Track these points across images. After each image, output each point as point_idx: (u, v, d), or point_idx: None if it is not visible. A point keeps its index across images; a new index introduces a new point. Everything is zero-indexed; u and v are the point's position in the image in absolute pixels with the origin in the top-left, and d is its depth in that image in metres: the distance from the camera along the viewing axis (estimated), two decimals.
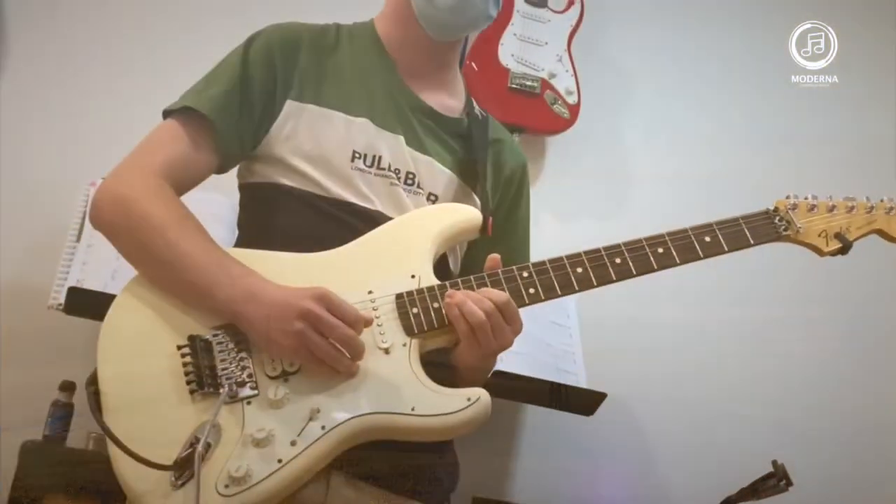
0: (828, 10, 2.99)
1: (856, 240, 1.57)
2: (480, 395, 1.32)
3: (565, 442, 2.72)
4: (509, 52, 2.84)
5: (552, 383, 2.38)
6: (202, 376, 1.30)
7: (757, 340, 2.99)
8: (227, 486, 1.22)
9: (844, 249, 1.55)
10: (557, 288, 1.44)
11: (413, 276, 1.43)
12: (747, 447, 2.82)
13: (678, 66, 3.16)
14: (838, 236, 1.56)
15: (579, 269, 1.46)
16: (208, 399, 1.29)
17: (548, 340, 2.52)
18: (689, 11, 3.19)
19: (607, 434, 2.74)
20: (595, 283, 1.46)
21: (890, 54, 3.28)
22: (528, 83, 2.81)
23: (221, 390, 1.28)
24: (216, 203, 2.07)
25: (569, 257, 1.47)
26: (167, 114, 1.51)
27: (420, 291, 1.41)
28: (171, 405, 1.29)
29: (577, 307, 2.64)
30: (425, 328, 1.39)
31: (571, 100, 2.85)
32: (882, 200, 1.59)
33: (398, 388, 1.32)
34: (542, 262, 1.46)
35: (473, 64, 2.82)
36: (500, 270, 1.44)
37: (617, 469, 2.78)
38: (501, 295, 1.38)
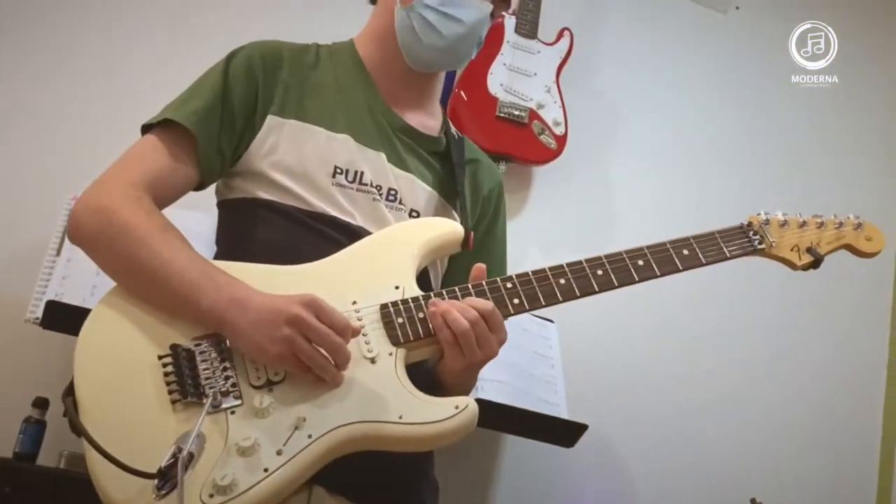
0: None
1: (827, 254, 1.61)
2: (468, 403, 1.31)
3: (545, 473, 2.70)
4: (498, 82, 2.85)
5: (533, 413, 2.36)
6: (185, 386, 1.27)
7: (739, 376, 3.01)
8: (211, 496, 1.19)
9: (816, 263, 1.60)
10: (541, 298, 1.45)
11: (397, 287, 1.43)
12: (727, 483, 2.83)
13: (665, 100, 3.20)
14: (810, 250, 1.59)
15: (562, 280, 1.47)
16: (190, 409, 1.26)
17: (530, 370, 2.50)
18: (677, 44, 3.25)
19: (587, 466, 2.73)
20: (578, 294, 1.47)
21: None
22: (516, 112, 2.82)
23: (205, 399, 1.26)
24: (196, 220, 2.05)
25: (551, 269, 1.48)
26: (147, 128, 1.50)
27: (405, 301, 1.41)
28: (152, 415, 1.26)
29: (560, 338, 2.63)
30: (411, 338, 1.38)
31: (559, 131, 2.86)
32: (849, 217, 1.64)
33: (385, 396, 1.31)
34: (526, 274, 1.47)
35: (462, 93, 2.83)
36: (483, 281, 1.45)
37: (596, 502, 2.76)
38: (486, 304, 1.38)
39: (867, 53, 3.30)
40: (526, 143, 2.83)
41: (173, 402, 1.27)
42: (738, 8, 3.35)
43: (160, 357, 1.30)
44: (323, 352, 1.28)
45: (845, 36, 2.98)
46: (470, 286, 1.44)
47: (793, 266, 1.60)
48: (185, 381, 1.27)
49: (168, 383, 1.28)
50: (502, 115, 2.81)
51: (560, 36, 2.96)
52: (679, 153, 3.16)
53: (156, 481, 1.18)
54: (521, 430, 2.45)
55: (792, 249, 1.59)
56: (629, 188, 3.08)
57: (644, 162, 3.12)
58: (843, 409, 3.11)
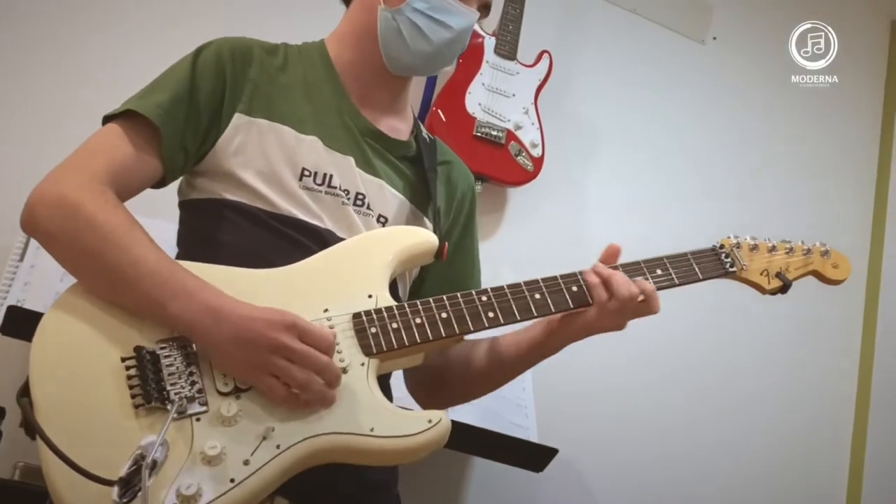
0: None
1: (795, 279, 1.62)
2: (441, 417, 1.28)
3: (512, 496, 2.65)
4: (476, 101, 2.82)
5: (503, 436, 2.32)
6: (149, 390, 1.22)
7: (710, 402, 3.01)
8: None
9: (785, 288, 1.61)
10: (516, 312, 1.43)
11: (370, 296, 1.39)
12: None
13: (642, 126, 3.20)
14: (779, 275, 1.60)
15: (537, 295, 1.45)
16: (154, 414, 1.21)
17: (500, 392, 2.44)
18: (655, 71, 3.26)
19: (556, 491, 2.69)
20: (553, 310, 1.45)
21: None
22: (494, 133, 2.80)
23: (169, 405, 1.20)
24: (160, 228, 2.00)
25: (527, 283, 1.46)
26: (108, 120, 1.44)
27: (378, 311, 1.37)
28: (113, 420, 1.20)
29: None
30: (384, 348, 1.34)
31: (536, 153, 2.84)
32: (816, 244, 1.66)
33: (356, 408, 1.27)
34: (501, 287, 1.45)
35: (440, 111, 2.81)
36: (458, 294, 1.43)
37: None
38: (649, 286, 1.45)
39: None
40: (502, 163, 2.81)
41: (136, 406, 1.21)
42: (715, 38, 3.37)
43: (123, 359, 1.24)
44: (314, 376, 1.24)
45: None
46: (444, 297, 1.41)
47: (761, 290, 1.61)
48: (149, 386, 1.22)
49: (131, 387, 1.22)
50: (479, 134, 2.79)
51: (539, 58, 2.95)
52: (654, 179, 3.16)
53: (116, 489, 1.13)
54: (489, 452, 2.40)
55: (761, 273, 1.60)
56: (603, 213, 3.06)
57: (619, 187, 3.12)
58: (812, 435, 3.12)
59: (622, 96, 3.18)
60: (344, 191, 1.51)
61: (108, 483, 1.13)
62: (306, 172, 1.48)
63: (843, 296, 2.99)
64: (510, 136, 2.82)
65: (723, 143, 3.28)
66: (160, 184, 1.47)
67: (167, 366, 1.25)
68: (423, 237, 1.50)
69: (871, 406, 3.11)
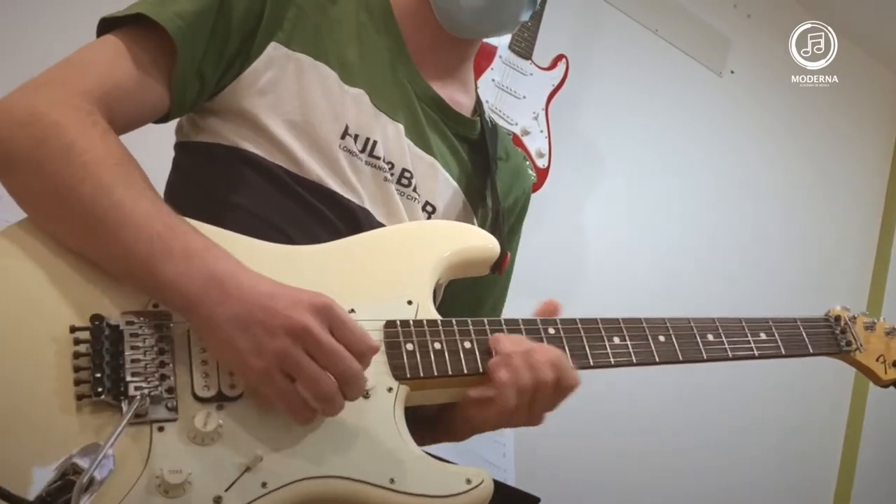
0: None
1: None
2: (484, 478, 0.98)
3: None
4: (484, 98, 2.51)
5: None
6: (100, 377, 0.87)
7: (693, 458, 2.84)
8: None
9: None
10: (589, 357, 1.13)
11: (410, 303, 1.07)
12: None
13: (650, 150, 3.04)
14: None
15: (616, 339, 1.15)
16: (102, 413, 0.87)
17: None
18: (669, 96, 3.12)
19: None
20: (634, 362, 1.16)
21: None
22: None
23: (125, 403, 0.87)
24: None
25: (604, 321, 1.16)
26: (108, 26, 1.08)
27: (418, 323, 1.05)
28: (45, 411, 0.86)
29: None
30: (421, 374, 1.02)
31: (541, 163, 2.56)
32: None
33: (376, 449, 0.95)
34: (573, 321, 1.14)
35: None
36: (519, 319, 1.12)
37: None
38: (570, 374, 1.06)
39: None
40: None
41: (79, 397, 0.87)
42: (733, 72, 3.25)
43: (73, 329, 0.90)
44: (331, 378, 0.91)
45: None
46: (501, 320, 1.11)
47: (877, 380, 1.36)
48: (101, 371, 0.88)
49: (77, 369, 0.88)
50: None
51: (556, 62, 2.68)
52: (658, 204, 3.01)
53: None
54: None
55: (878, 359, 1.35)
56: (603, 237, 2.88)
57: (620, 211, 2.94)
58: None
59: (633, 115, 3.03)
60: (388, 163, 1.18)
61: (18, 502, 0.79)
62: (349, 133, 1.16)
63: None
64: (516, 140, 2.54)
65: (728, 175, 3.21)
66: (165, 117, 1.13)
67: (132, 348, 0.90)
68: (484, 241, 1.18)
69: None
